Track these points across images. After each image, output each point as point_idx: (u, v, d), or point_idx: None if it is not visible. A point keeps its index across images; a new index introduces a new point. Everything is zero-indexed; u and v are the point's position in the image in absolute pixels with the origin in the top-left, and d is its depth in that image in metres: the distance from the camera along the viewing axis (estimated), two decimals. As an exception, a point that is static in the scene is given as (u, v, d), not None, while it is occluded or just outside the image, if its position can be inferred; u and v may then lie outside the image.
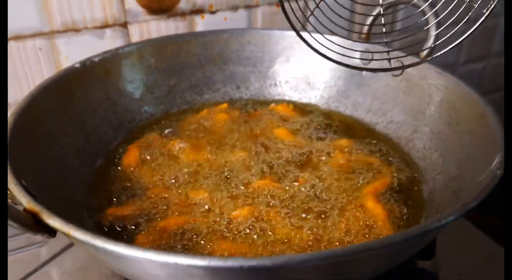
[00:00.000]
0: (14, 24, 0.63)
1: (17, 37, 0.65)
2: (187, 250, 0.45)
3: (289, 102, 0.70)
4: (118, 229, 0.48)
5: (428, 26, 0.56)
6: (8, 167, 0.39)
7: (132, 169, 0.56)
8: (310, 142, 0.60)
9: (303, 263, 0.31)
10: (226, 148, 0.59)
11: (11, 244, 0.58)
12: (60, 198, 0.47)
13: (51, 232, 0.35)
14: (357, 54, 0.65)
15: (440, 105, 0.56)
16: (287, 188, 0.52)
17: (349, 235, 0.47)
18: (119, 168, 0.56)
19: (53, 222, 0.33)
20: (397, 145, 0.61)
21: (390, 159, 0.58)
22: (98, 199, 0.52)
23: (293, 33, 0.69)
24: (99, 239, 0.32)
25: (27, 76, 0.67)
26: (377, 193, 0.52)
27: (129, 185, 0.53)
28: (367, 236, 0.47)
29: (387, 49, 0.61)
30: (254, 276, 0.33)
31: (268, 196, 0.51)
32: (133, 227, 0.48)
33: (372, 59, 0.56)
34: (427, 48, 0.59)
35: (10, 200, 0.38)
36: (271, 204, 0.50)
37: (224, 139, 0.61)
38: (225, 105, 0.68)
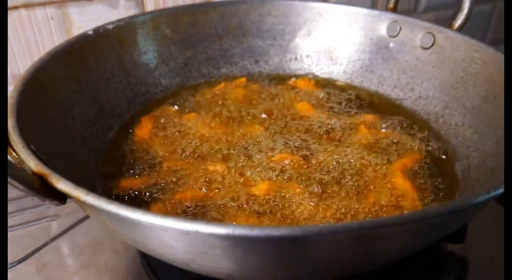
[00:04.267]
0: (23, -9, 0.61)
1: (27, 5, 0.62)
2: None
3: (310, 77, 0.67)
4: (131, 200, 0.45)
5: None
6: (16, 130, 0.37)
7: (145, 141, 0.53)
8: (333, 117, 0.57)
9: (336, 234, 0.28)
10: (244, 122, 0.56)
11: (21, 217, 0.56)
12: (71, 167, 0.45)
13: (61, 197, 0.33)
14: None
15: (475, 79, 0.52)
16: (309, 162, 0.49)
17: (376, 213, 0.44)
18: (132, 139, 0.53)
19: (62, 185, 0.31)
20: (426, 121, 0.57)
21: (418, 135, 0.54)
22: (110, 170, 0.49)
23: (316, 4, 0.66)
24: (112, 204, 0.29)
25: (38, 46, 0.65)
26: (405, 170, 0.49)
27: (142, 156, 0.51)
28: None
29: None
30: (279, 248, 0.30)
31: (289, 171, 0.48)
32: (147, 199, 0.45)
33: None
34: (461, 18, 0.55)
35: (18, 165, 0.35)
36: (291, 179, 0.47)
37: (242, 113, 0.58)
38: (243, 79, 0.65)
